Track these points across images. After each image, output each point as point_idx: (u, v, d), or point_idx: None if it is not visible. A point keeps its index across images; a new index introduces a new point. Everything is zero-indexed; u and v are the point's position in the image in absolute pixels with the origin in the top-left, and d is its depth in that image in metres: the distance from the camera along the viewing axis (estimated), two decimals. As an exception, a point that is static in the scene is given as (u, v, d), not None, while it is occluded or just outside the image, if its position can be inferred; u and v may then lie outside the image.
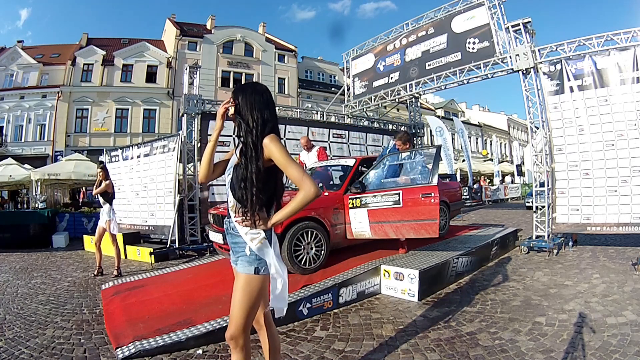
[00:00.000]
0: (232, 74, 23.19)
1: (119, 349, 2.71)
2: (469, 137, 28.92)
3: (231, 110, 1.73)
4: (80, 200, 14.91)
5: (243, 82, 23.27)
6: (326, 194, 4.67)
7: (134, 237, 7.39)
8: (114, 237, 5.52)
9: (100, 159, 9.93)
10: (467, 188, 16.88)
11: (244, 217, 1.66)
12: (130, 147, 8.46)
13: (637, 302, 3.46)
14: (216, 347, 2.82)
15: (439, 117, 19.93)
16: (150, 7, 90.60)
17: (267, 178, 1.67)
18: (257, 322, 1.87)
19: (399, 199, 4.18)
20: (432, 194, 4.02)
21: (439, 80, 8.73)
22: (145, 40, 22.02)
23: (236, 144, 1.75)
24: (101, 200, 5.57)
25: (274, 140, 1.63)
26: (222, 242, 4.42)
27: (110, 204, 5.53)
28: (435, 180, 4.10)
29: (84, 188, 15.62)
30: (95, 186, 5.65)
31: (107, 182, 5.55)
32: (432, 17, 8.84)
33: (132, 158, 8.24)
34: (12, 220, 8.81)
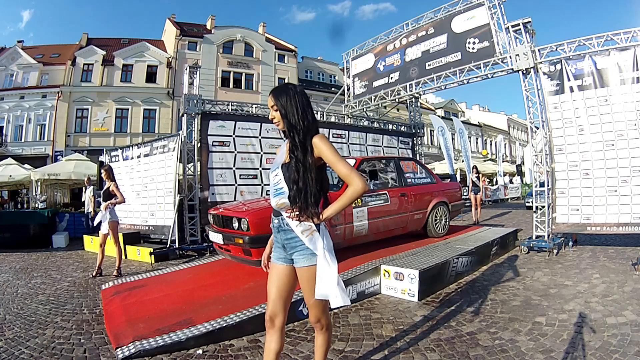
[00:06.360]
0: (232, 74, 23.17)
1: (119, 349, 2.71)
2: (469, 137, 28.89)
3: (273, 114, 1.81)
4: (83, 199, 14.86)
5: (243, 82, 23.33)
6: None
7: (134, 237, 7.38)
8: (116, 237, 5.47)
9: (100, 159, 9.92)
10: (467, 188, 16.81)
11: (298, 213, 1.73)
12: (130, 147, 8.46)
13: (637, 302, 3.46)
14: (216, 347, 2.82)
15: (439, 117, 19.89)
16: (150, 7, 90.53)
17: (317, 175, 1.77)
18: (271, 321, 1.87)
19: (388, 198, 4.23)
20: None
21: (439, 80, 8.72)
22: (145, 40, 22.00)
23: (287, 144, 1.84)
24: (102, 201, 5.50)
25: (323, 139, 1.77)
26: (222, 242, 4.42)
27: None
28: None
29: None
30: (98, 186, 5.57)
31: (113, 182, 5.51)
32: (432, 17, 8.84)
33: (132, 158, 8.25)
34: (12, 220, 8.79)
